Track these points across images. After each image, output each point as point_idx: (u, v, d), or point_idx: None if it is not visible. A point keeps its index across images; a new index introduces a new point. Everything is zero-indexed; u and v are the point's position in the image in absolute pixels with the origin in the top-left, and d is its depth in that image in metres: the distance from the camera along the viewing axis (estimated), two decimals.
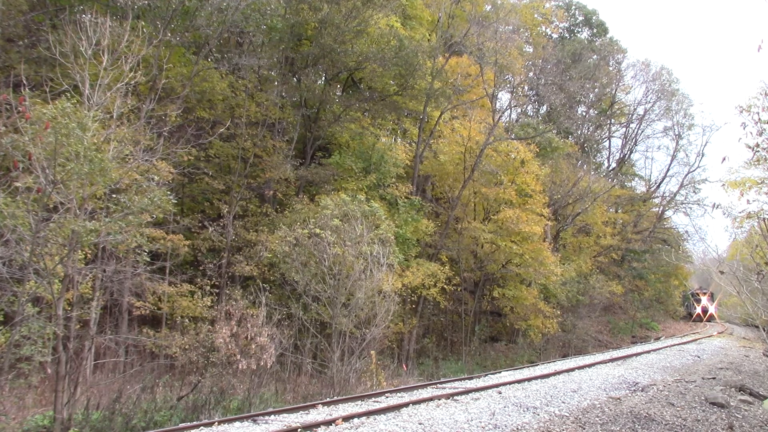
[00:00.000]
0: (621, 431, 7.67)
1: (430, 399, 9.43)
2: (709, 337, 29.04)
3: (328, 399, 10.59)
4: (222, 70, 18.84)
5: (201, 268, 16.56)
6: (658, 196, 47.57)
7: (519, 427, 7.48)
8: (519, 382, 11.60)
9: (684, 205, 45.78)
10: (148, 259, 11.41)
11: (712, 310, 44.46)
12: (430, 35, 27.10)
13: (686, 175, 45.00)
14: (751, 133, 11.01)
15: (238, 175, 18.44)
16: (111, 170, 9.40)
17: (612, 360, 16.64)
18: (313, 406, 9.47)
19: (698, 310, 45.24)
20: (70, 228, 8.82)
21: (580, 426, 7.77)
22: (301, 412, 9.11)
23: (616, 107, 45.25)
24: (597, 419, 8.21)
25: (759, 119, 11.11)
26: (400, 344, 21.10)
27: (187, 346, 12.32)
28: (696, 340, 26.58)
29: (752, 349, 23.10)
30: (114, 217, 9.43)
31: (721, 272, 17.17)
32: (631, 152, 47.84)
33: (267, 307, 13.87)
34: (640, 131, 46.28)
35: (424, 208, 23.15)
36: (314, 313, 15.08)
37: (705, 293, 45.07)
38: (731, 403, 10.06)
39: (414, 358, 21.58)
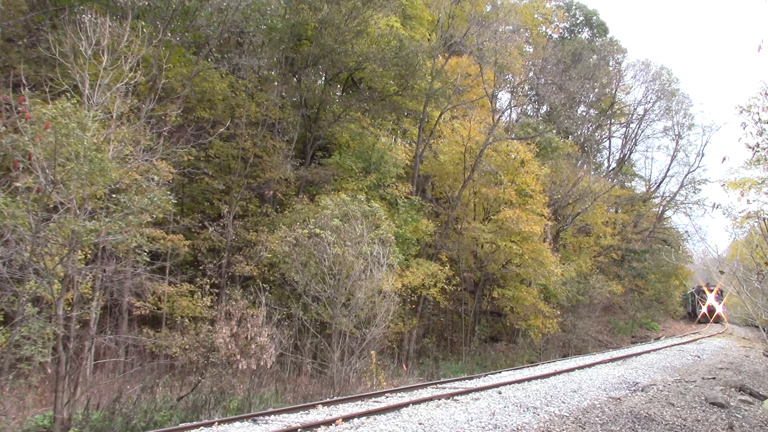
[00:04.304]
0: (621, 431, 7.67)
1: (430, 399, 9.43)
2: (709, 337, 29.05)
3: (328, 399, 10.58)
4: (222, 70, 18.84)
5: (201, 268, 16.55)
6: (658, 196, 47.60)
7: (519, 427, 7.48)
8: (519, 382, 11.60)
9: (684, 205, 45.78)
10: (148, 259, 11.40)
11: (719, 309, 40.31)
12: (430, 35, 27.11)
13: (686, 175, 45.04)
14: (751, 133, 11.02)
15: (238, 175, 18.44)
16: (111, 170, 9.40)
17: (612, 360, 16.64)
18: (313, 406, 9.47)
19: (704, 309, 41.90)
20: (70, 228, 8.82)
21: (580, 426, 7.77)
22: (301, 412, 9.10)
23: (616, 107, 45.23)
24: (597, 419, 8.21)
25: (759, 119, 11.12)
26: (400, 344, 21.09)
27: (187, 346, 12.31)
28: (696, 340, 26.58)
29: (752, 349, 23.09)
30: (114, 217, 9.43)
31: (721, 272, 17.20)
32: (631, 152, 47.92)
33: (267, 307, 13.88)
34: (640, 131, 46.36)
35: (424, 208, 23.14)
36: (314, 313, 15.08)
37: (712, 290, 40.67)
38: (731, 403, 10.06)
39: (414, 358, 21.57)
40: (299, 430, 7.39)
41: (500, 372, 15.17)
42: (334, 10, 19.50)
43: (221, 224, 17.43)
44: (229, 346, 11.91)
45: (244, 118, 18.68)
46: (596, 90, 42.22)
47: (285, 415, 8.79)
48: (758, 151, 11.33)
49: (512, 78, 31.92)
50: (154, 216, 10.62)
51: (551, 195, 30.36)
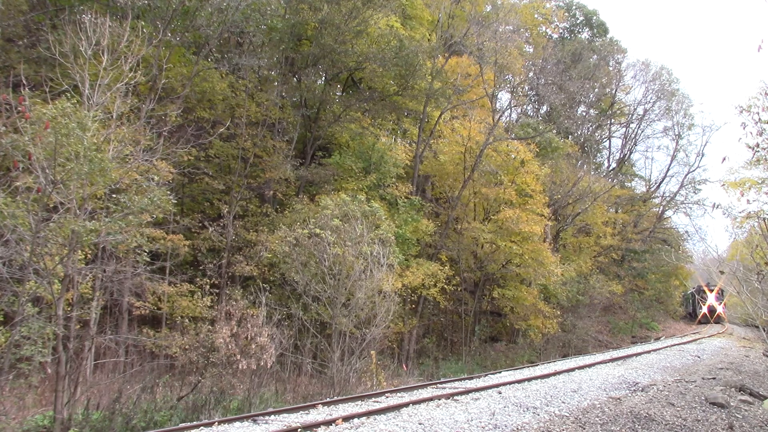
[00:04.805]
0: (621, 431, 7.67)
1: (430, 399, 9.43)
2: (709, 337, 29.05)
3: (328, 399, 10.58)
4: (222, 70, 18.84)
5: (201, 268, 16.55)
6: (658, 196, 47.60)
7: (519, 427, 7.48)
8: (519, 382, 11.60)
9: (684, 205, 45.78)
10: (148, 259, 11.40)
11: (720, 309, 39.84)
12: (430, 35, 27.10)
13: (686, 175, 45.05)
14: (751, 133, 11.00)
15: (238, 175, 18.44)
16: (111, 170, 9.40)
17: (612, 360, 16.63)
18: (313, 406, 9.47)
19: (704, 309, 41.40)
20: (70, 228, 8.82)
21: (580, 426, 7.77)
22: (301, 412, 9.10)
23: (616, 107, 45.24)
24: (597, 419, 8.21)
25: (759, 119, 11.10)
26: (400, 344, 21.09)
27: (187, 346, 12.31)
28: (696, 340, 26.58)
29: (752, 349, 23.08)
30: (114, 217, 9.43)
31: (722, 272, 17.21)
32: (631, 152, 47.93)
33: (267, 307, 13.87)
34: (640, 131, 46.36)
35: (424, 208, 23.14)
36: (314, 313, 15.08)
37: (712, 290, 39.96)
38: (731, 403, 10.05)
39: (414, 358, 21.58)
40: (299, 430, 7.39)
41: (500, 372, 15.17)
42: (334, 10, 19.49)
43: (221, 224, 17.43)
44: (229, 346, 11.90)
45: (244, 118, 18.68)
46: (596, 90, 42.23)
47: (285, 415, 8.79)
48: (758, 151, 11.31)
49: (512, 78, 31.92)
50: (154, 216, 10.63)
51: (551, 195, 30.36)
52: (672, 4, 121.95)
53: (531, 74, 35.60)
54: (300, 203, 18.52)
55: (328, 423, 7.66)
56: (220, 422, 8.27)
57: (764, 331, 16.27)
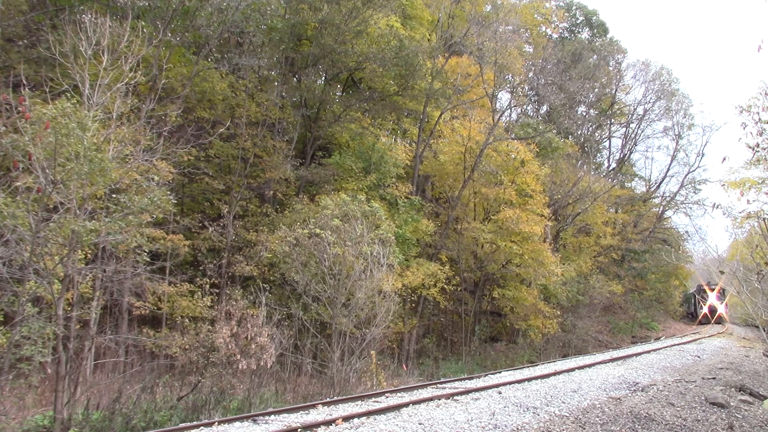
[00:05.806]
0: (621, 431, 7.67)
1: (430, 399, 9.43)
2: (709, 337, 29.05)
3: (328, 399, 10.58)
4: (222, 70, 18.84)
5: (201, 268, 16.55)
6: (658, 196, 47.59)
7: (519, 427, 7.48)
8: (519, 382, 11.60)
9: (684, 205, 45.76)
10: (148, 259, 11.41)
11: (721, 309, 39.01)
12: (430, 35, 27.11)
13: (686, 175, 45.03)
14: (751, 133, 10.99)
15: (238, 175, 18.44)
16: (111, 170, 9.40)
17: (612, 360, 16.63)
18: (313, 406, 9.47)
19: (705, 309, 40.64)
20: (70, 228, 8.82)
21: (580, 426, 7.77)
22: (301, 412, 9.10)
23: (616, 107, 45.21)
24: (597, 419, 8.21)
25: (759, 119, 11.09)
26: (400, 344, 21.09)
27: (187, 346, 12.31)
28: (696, 340, 26.58)
29: (752, 349, 23.09)
30: (114, 217, 9.43)
31: (722, 272, 17.21)
32: (631, 152, 47.90)
33: (267, 307, 13.87)
34: (640, 131, 46.33)
35: (424, 208, 23.14)
36: (314, 313, 15.08)
37: (713, 289, 39.15)
38: (731, 403, 10.05)
39: (414, 358, 21.58)
40: (299, 430, 7.39)
41: (500, 372, 15.17)
42: (334, 10, 19.49)
43: (221, 224, 17.43)
44: (229, 346, 11.90)
45: (244, 118, 18.68)
46: (596, 90, 42.22)
47: (285, 415, 8.79)
48: (758, 151, 11.31)
49: (512, 78, 31.90)
50: (154, 216, 10.63)
51: (551, 195, 30.35)
52: (672, 4, 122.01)
53: (531, 74, 35.61)
54: (300, 203, 18.52)
55: (328, 423, 7.66)
56: (220, 422, 8.27)
57: (764, 331, 16.26)
